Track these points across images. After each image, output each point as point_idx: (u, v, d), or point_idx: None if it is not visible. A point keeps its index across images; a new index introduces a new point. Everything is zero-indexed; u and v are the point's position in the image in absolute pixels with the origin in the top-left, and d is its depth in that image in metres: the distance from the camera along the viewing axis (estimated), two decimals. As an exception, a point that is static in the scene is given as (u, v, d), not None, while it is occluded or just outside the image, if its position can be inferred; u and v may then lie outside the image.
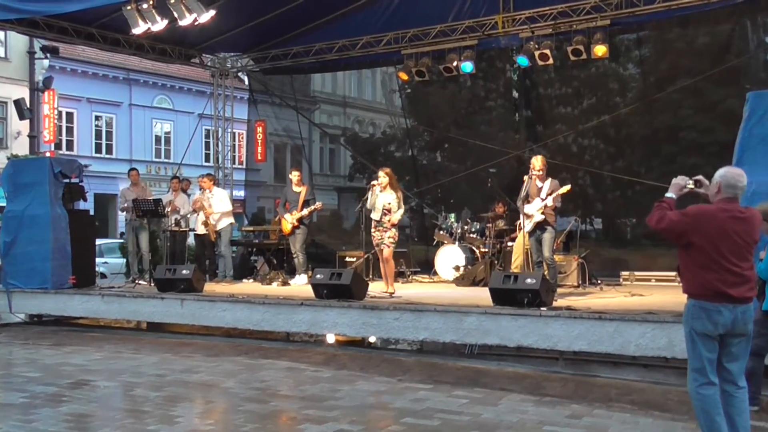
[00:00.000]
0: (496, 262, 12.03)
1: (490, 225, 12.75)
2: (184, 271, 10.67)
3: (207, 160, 29.49)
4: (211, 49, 16.34)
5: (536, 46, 12.67)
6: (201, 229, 13.03)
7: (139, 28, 11.62)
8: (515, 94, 17.82)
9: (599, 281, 11.59)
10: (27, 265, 11.48)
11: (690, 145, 14.26)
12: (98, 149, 29.32)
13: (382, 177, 9.96)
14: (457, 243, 13.01)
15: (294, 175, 12.49)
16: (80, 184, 12.18)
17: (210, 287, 11.33)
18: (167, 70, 28.64)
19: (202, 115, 19.18)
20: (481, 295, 9.06)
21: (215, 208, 12.69)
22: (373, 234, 9.99)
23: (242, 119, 19.41)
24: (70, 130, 28.33)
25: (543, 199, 9.27)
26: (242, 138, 22.12)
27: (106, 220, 27.59)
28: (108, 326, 11.74)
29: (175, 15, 11.29)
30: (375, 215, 9.94)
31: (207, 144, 29.69)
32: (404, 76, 14.76)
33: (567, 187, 9.32)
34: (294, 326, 9.21)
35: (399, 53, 14.36)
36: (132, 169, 13.98)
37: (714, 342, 4.24)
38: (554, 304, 8.17)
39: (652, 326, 7.01)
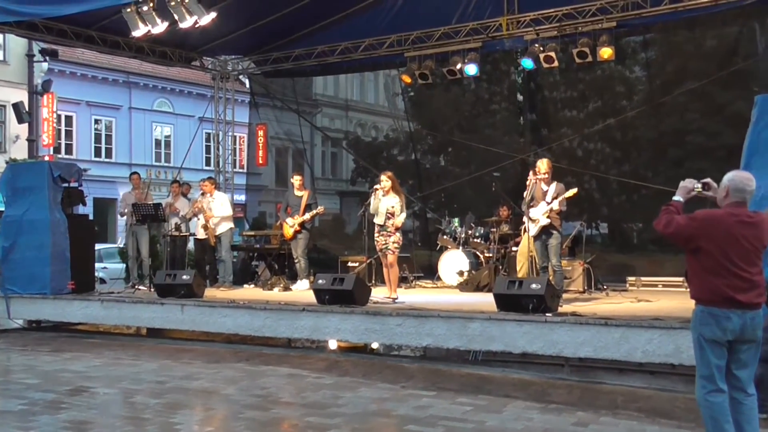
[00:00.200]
0: (500, 267, 12.04)
1: (494, 229, 12.75)
2: (184, 277, 10.68)
3: (207, 164, 29.55)
4: (211, 52, 16.37)
5: (541, 48, 12.68)
6: (201, 234, 13.05)
7: (139, 31, 11.64)
8: (520, 97, 17.84)
9: (605, 287, 11.58)
10: (25, 271, 11.50)
11: (697, 149, 14.25)
12: (98, 153, 29.35)
13: (385, 181, 9.97)
14: (460, 248, 13.01)
15: (296, 180, 12.51)
16: (79, 188, 12.21)
17: (210, 293, 11.35)
18: (167, 73, 28.72)
19: (202, 119, 19.19)
20: (486, 300, 9.06)
21: (215, 212, 12.71)
22: (376, 239, 9.99)
23: (243, 122, 19.43)
24: (69, 134, 28.37)
25: (549, 203, 9.26)
26: (243, 141, 22.13)
27: (105, 224, 27.61)
28: (107, 332, 11.74)
29: (176, 17, 11.31)
30: (378, 220, 9.95)
31: (208, 148, 29.75)
32: (407, 79, 14.78)
33: (573, 191, 9.32)
34: (296, 332, 9.21)
35: (402, 56, 14.37)
36: (133, 173, 14.01)
37: (723, 348, 4.24)
38: (560, 309, 8.16)
39: (658, 332, 6.99)
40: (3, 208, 12.24)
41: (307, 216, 12.07)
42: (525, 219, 10.27)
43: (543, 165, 9.46)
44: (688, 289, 4.47)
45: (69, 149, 28.23)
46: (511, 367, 8.15)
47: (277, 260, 13.99)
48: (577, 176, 14.63)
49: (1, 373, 8.38)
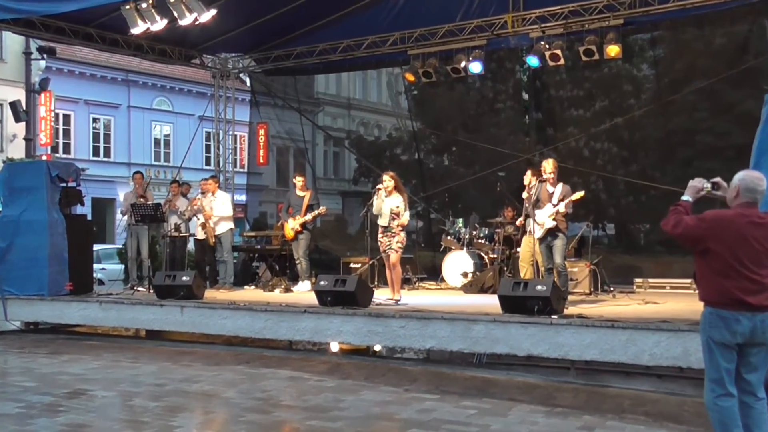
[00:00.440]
0: (505, 268, 12.03)
1: (499, 230, 12.74)
2: (184, 278, 10.69)
3: (207, 163, 29.58)
4: (211, 50, 16.38)
5: (547, 46, 12.67)
6: (201, 234, 13.07)
7: (138, 28, 11.66)
8: (525, 95, 17.86)
9: (612, 288, 11.56)
10: (23, 272, 11.51)
11: (706, 148, 14.26)
12: (96, 152, 29.40)
13: (388, 181, 9.97)
14: (465, 249, 13.01)
15: (298, 180, 12.52)
16: (77, 188, 12.22)
17: (210, 294, 11.35)
18: (167, 71, 28.72)
19: (202, 118, 19.22)
20: (490, 302, 9.06)
21: (216, 211, 12.73)
22: (380, 239, 10.00)
23: (244, 121, 19.45)
24: (67, 133, 28.42)
25: (555, 205, 9.24)
26: (244, 141, 22.15)
27: (104, 225, 27.64)
28: (106, 334, 11.76)
29: (175, 14, 11.33)
30: (382, 221, 9.95)
31: (208, 147, 29.76)
32: (411, 78, 14.78)
33: (580, 194, 9.25)
34: (297, 334, 9.21)
35: (405, 54, 14.36)
36: (136, 172, 14.04)
37: (732, 351, 4.23)
38: (565, 311, 8.16)
39: (666, 335, 6.99)
40: (0, 209, 12.26)
41: (309, 216, 12.08)
42: (522, 221, 10.29)
43: (548, 165, 9.43)
44: (697, 291, 4.46)
45: (67, 148, 28.29)
46: (516, 369, 8.15)
47: (278, 261, 14.00)
48: (584, 176, 14.64)
49: (-2, 375, 8.40)
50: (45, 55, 23.38)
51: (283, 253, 13.60)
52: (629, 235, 17.89)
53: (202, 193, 13.18)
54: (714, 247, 4.23)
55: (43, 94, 23.92)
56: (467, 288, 12.18)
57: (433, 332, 8.21)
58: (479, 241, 13.09)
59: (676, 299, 10.37)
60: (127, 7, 11.51)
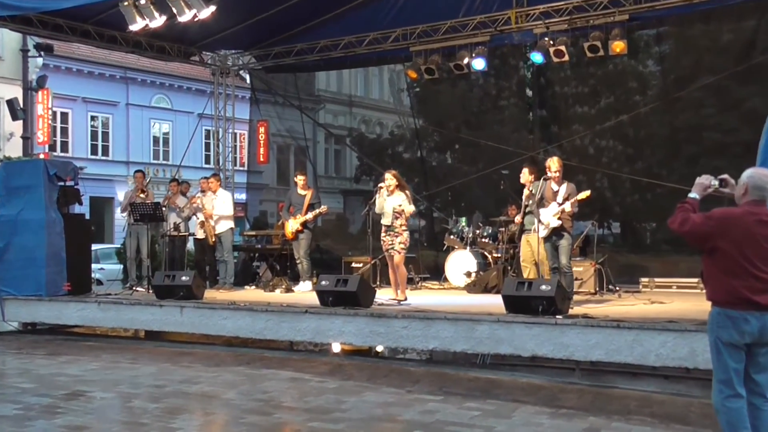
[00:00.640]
0: (509, 267, 12.02)
1: (502, 229, 12.73)
2: (183, 278, 10.70)
3: (207, 161, 29.58)
4: (211, 47, 16.38)
5: (551, 42, 12.66)
6: (201, 234, 13.08)
7: (137, 25, 11.67)
8: (529, 92, 17.83)
9: (617, 288, 11.57)
10: (20, 272, 11.53)
11: (713, 145, 14.22)
12: (94, 151, 29.42)
13: (389, 180, 9.98)
14: (468, 248, 13.01)
15: (299, 179, 12.52)
16: (75, 187, 12.23)
17: (210, 294, 11.37)
18: (166, 69, 28.71)
19: (202, 115, 19.23)
20: (494, 302, 9.06)
21: (217, 210, 12.73)
22: (383, 239, 10.00)
23: (244, 119, 19.45)
24: (64, 131, 28.44)
25: (560, 204, 9.22)
26: (244, 139, 22.16)
27: (102, 224, 27.67)
28: (104, 335, 11.77)
29: (174, 11, 11.34)
30: (385, 220, 9.96)
31: (207, 145, 29.78)
32: (413, 74, 14.77)
33: (586, 193, 9.21)
34: (298, 335, 9.22)
35: (407, 50, 14.36)
36: (137, 171, 14.05)
37: (741, 352, 4.22)
38: (570, 311, 8.16)
39: (673, 335, 6.98)
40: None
41: (310, 215, 12.09)
42: (521, 219, 10.26)
43: (553, 164, 9.40)
44: (704, 291, 4.45)
45: (65, 147, 28.31)
46: (520, 370, 8.15)
47: (278, 261, 14.01)
48: (589, 174, 14.63)
49: (-4, 376, 8.41)
50: (42, 53, 23.32)
51: (283, 252, 13.61)
52: (635, 233, 17.88)
53: (202, 191, 13.20)
54: (722, 245, 4.21)
55: (40, 92, 23.91)
56: (471, 288, 12.18)
57: (436, 333, 8.21)
58: (483, 240, 13.08)
59: (683, 299, 10.36)
60: (126, 3, 11.51)
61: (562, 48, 12.60)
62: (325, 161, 34.28)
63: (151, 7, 11.43)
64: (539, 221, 9.29)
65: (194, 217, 13.23)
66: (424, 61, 14.01)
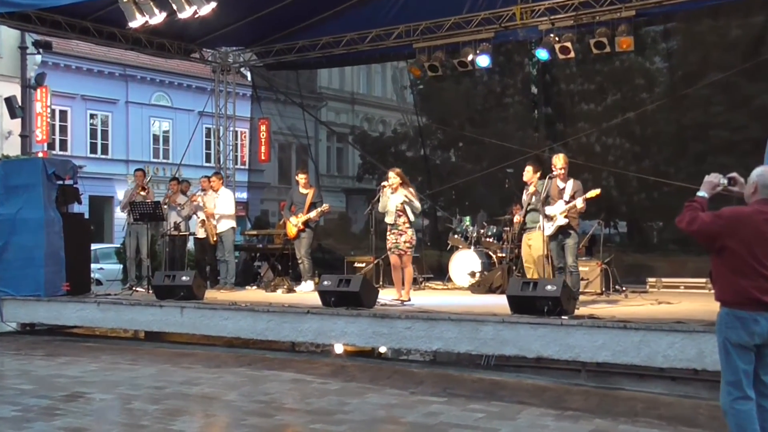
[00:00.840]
0: (514, 267, 12.00)
1: (507, 228, 12.72)
2: (183, 278, 10.70)
3: (208, 160, 29.59)
4: (211, 44, 16.39)
5: (557, 38, 12.64)
6: (201, 233, 13.09)
7: (136, 22, 11.67)
8: (534, 89, 17.84)
9: (624, 288, 11.54)
10: (19, 272, 11.54)
11: (721, 143, 14.23)
12: (93, 149, 29.45)
13: (393, 178, 9.98)
14: (472, 248, 13.00)
15: (301, 178, 12.51)
16: (74, 186, 12.24)
17: (211, 294, 11.37)
18: (166, 66, 28.78)
19: (202, 113, 19.27)
20: (498, 302, 9.05)
21: (218, 209, 12.74)
22: (388, 237, 10.03)
23: (245, 117, 19.46)
24: (63, 129, 28.47)
25: (567, 202, 9.19)
26: (245, 137, 22.18)
27: (101, 223, 27.70)
28: (104, 336, 11.79)
29: (174, 7, 11.33)
30: (389, 219, 9.98)
31: (208, 143, 29.78)
32: (416, 71, 14.77)
33: (596, 191, 9.12)
34: (300, 335, 9.21)
35: (410, 47, 14.35)
36: (137, 169, 14.06)
37: (750, 353, 4.20)
38: (576, 312, 8.14)
39: (680, 336, 6.97)
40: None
41: (313, 214, 12.08)
42: (521, 218, 10.25)
43: (559, 161, 9.39)
44: (712, 291, 4.44)
45: (63, 145, 28.35)
46: (525, 372, 8.14)
47: (280, 260, 14.01)
48: (595, 173, 14.63)
49: (-6, 378, 8.42)
50: (41, 50, 23.36)
51: (285, 252, 13.61)
52: (642, 233, 17.88)
53: (203, 189, 13.20)
54: (731, 244, 4.20)
55: (39, 90, 23.93)
56: (475, 288, 12.16)
57: (440, 333, 8.20)
58: (487, 239, 13.07)
59: (691, 299, 10.34)
60: (125, 0, 11.51)
61: (568, 44, 12.58)
62: (327, 160, 34.32)
63: (151, 3, 11.41)
64: (546, 217, 9.25)
65: (194, 216, 13.24)
66: (427, 58, 14.00)
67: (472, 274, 12.56)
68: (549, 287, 7.99)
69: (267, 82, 17.98)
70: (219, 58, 17.11)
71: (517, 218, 10.58)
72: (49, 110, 24.75)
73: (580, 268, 10.50)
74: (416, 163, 20.07)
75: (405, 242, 9.90)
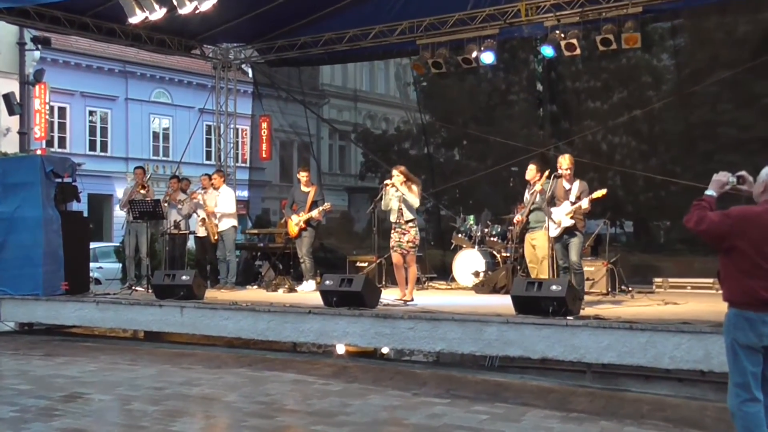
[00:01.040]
0: (518, 267, 12.00)
1: (512, 228, 12.71)
2: (183, 277, 10.71)
3: (208, 158, 29.61)
4: (212, 40, 16.40)
5: (562, 35, 12.63)
6: (201, 232, 13.10)
7: (136, 17, 11.69)
8: (539, 87, 17.81)
9: (630, 288, 11.54)
10: (17, 271, 11.56)
11: (729, 141, 14.19)
12: (92, 146, 29.48)
13: (396, 176, 9.98)
14: (476, 247, 12.99)
15: (302, 176, 12.51)
16: (73, 183, 12.25)
17: (211, 294, 11.38)
18: (166, 62, 28.77)
19: (203, 110, 19.29)
20: (503, 303, 9.06)
21: (219, 207, 12.75)
22: (391, 236, 10.04)
23: (246, 114, 19.48)
24: (62, 126, 28.50)
25: (573, 202, 9.17)
26: (246, 134, 22.20)
27: (100, 222, 27.73)
28: (103, 335, 11.81)
29: (175, 3, 11.34)
30: (392, 217, 10.00)
31: (208, 141, 29.80)
32: (420, 68, 14.77)
33: (602, 192, 9.07)
34: (301, 336, 9.22)
35: (414, 43, 14.35)
36: (137, 167, 14.08)
37: (758, 355, 4.19)
38: (581, 312, 8.13)
39: (687, 337, 6.96)
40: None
41: (314, 213, 12.08)
42: (522, 218, 10.24)
43: (565, 161, 9.34)
44: (720, 291, 4.43)
45: (62, 142, 28.37)
46: (530, 373, 8.14)
47: (281, 260, 14.02)
48: (601, 172, 14.61)
49: (-8, 378, 8.43)
50: (39, 46, 23.40)
51: (286, 251, 13.61)
52: (648, 232, 17.85)
53: (203, 188, 13.21)
54: (739, 244, 4.19)
55: (37, 86, 23.98)
56: (479, 288, 12.16)
57: (444, 334, 8.20)
58: (491, 239, 13.06)
59: (698, 300, 10.34)
60: (125, -5, 11.53)
61: (574, 41, 12.57)
62: (329, 157, 34.31)
63: (151, -1, 11.44)
64: (551, 220, 9.24)
65: (195, 215, 13.25)
66: (431, 55, 13.99)
67: (476, 274, 12.55)
68: (554, 287, 7.99)
69: (268, 79, 17.99)
70: (220, 54, 17.12)
71: (517, 218, 10.56)
72: (47, 107, 24.80)
73: (586, 268, 10.50)
74: (419, 162, 20.03)
75: (408, 241, 9.90)
